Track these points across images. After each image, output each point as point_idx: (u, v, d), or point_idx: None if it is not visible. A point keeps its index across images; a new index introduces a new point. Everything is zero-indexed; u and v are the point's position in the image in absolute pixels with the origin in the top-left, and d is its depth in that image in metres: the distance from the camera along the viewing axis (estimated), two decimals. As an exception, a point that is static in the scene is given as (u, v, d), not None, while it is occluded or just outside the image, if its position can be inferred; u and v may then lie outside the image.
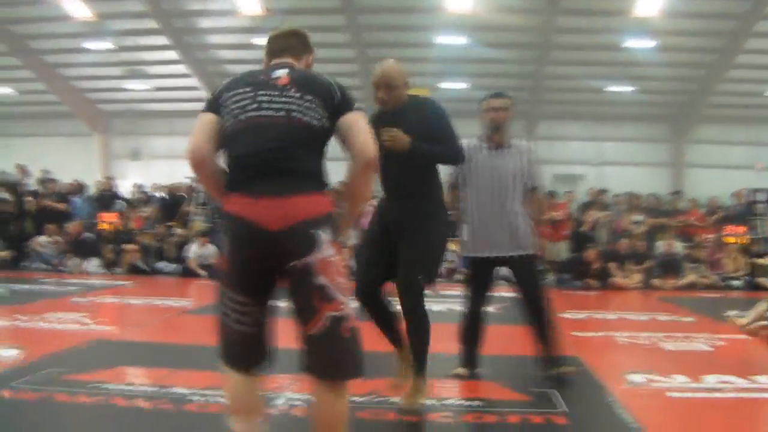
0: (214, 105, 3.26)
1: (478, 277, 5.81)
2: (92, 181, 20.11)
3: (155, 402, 4.76)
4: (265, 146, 3.09)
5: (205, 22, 22.62)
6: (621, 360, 6.89)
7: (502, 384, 5.49)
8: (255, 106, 3.16)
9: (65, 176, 19.44)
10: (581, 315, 9.94)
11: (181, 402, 4.80)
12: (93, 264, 15.61)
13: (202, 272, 14.71)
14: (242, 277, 3.08)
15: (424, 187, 4.82)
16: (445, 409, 4.79)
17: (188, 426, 4.45)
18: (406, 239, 4.72)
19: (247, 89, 3.21)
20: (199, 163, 3.16)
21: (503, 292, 12.49)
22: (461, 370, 5.75)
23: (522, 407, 4.81)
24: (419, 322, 4.72)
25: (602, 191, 18.31)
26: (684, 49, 21.64)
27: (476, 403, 4.93)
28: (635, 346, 7.47)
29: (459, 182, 5.76)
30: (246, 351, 3.16)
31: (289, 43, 3.47)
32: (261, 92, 3.18)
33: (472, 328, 5.77)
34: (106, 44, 23.21)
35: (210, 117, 3.22)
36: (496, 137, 5.71)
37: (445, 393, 5.19)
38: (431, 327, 4.76)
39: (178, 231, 16.29)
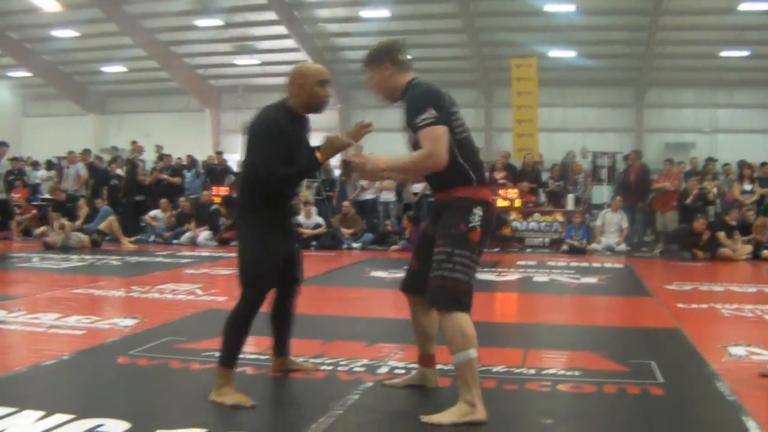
0: (444, 119, 4.01)
1: None
2: (204, 156, 20.66)
3: (262, 369, 5.00)
4: None
5: (313, -4, 22.86)
6: (723, 332, 6.77)
7: (602, 355, 5.49)
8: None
9: (177, 151, 20.00)
10: (687, 287, 9.74)
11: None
12: (203, 236, 15.93)
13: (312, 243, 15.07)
14: (485, 244, 4.15)
15: None
16: (543, 379, 4.83)
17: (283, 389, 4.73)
18: None
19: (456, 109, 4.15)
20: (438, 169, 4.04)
21: (608, 263, 12.52)
22: None
23: (619, 378, 4.82)
24: None
25: (710, 160, 17.81)
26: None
27: (575, 373, 4.95)
28: (739, 319, 7.31)
29: None
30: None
31: None
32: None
33: None
34: (216, 21, 23.78)
35: (445, 129, 4.00)
36: None
37: (544, 363, 5.24)
38: None
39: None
